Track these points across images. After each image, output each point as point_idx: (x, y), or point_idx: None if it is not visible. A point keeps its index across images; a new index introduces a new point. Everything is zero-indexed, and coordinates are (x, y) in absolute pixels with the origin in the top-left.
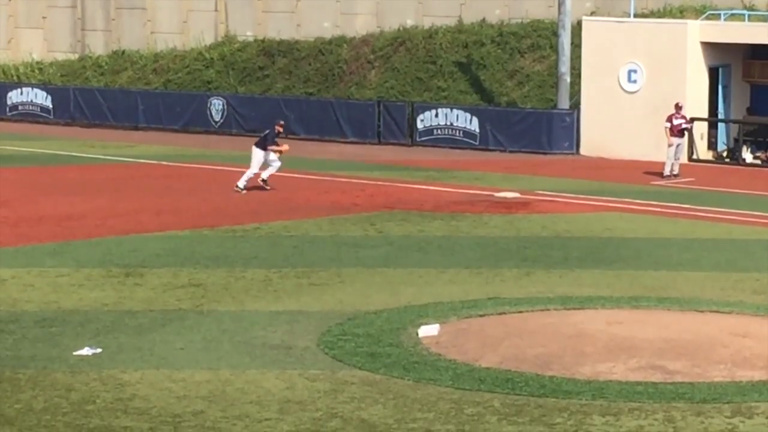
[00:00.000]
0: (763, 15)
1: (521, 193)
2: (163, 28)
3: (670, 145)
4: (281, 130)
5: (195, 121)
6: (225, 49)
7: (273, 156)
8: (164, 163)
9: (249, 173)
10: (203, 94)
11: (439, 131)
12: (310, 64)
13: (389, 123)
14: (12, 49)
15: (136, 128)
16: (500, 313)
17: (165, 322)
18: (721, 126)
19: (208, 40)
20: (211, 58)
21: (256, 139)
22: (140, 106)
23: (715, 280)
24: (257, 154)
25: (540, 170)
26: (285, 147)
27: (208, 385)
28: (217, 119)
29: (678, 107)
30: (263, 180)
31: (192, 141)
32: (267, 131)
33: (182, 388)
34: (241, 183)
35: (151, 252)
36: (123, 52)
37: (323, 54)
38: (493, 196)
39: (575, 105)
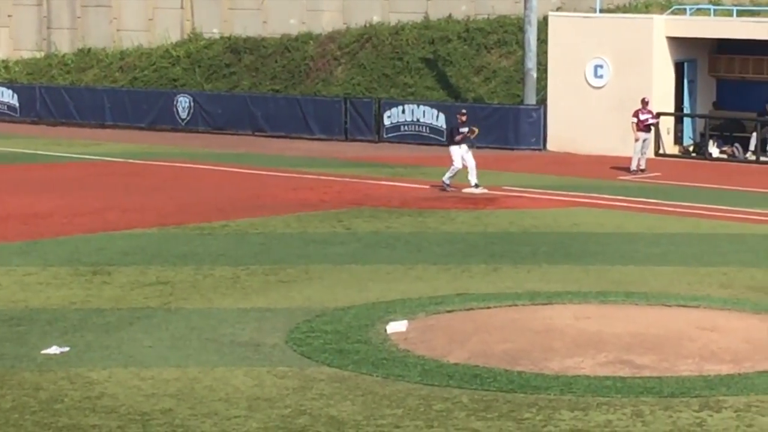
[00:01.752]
0: (728, 9)
1: (489, 189)
2: (129, 25)
3: (636, 140)
4: (464, 119)
5: (161, 119)
6: (191, 46)
7: (458, 153)
8: (131, 160)
9: (453, 169)
10: (169, 91)
11: (405, 127)
12: (276, 61)
13: (356, 119)
14: None
15: (103, 126)
16: (468, 309)
17: (133, 320)
18: (687, 121)
19: (174, 37)
20: (178, 56)
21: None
22: (107, 104)
23: (683, 275)
24: (452, 152)
25: (507, 166)
26: (474, 130)
27: (177, 382)
28: (183, 117)
29: (644, 102)
30: (475, 185)
31: (159, 138)
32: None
33: (150, 386)
34: (446, 179)
35: (118, 250)
36: (89, 50)
37: (290, 51)
38: (460, 192)
39: (542, 100)
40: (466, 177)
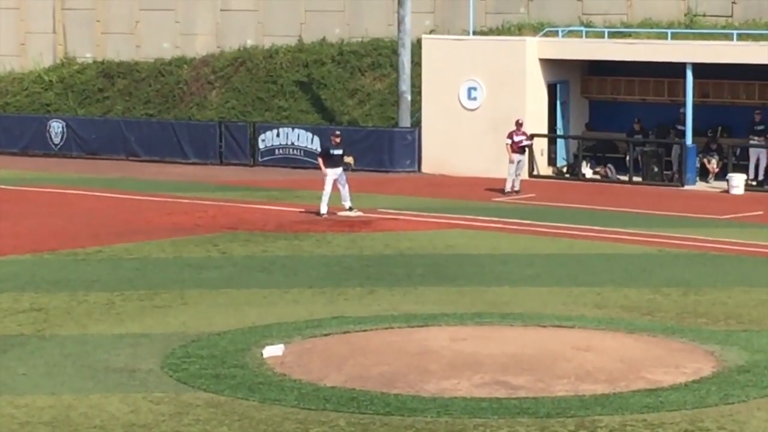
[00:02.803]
0: (599, 31)
1: (364, 212)
2: (0, 50)
3: (511, 162)
4: (338, 141)
5: (34, 144)
6: (64, 71)
7: (329, 179)
8: (3, 186)
9: (323, 196)
10: (42, 116)
11: (280, 151)
12: (150, 86)
13: (231, 143)
14: None
15: None
16: (344, 332)
17: (6, 347)
18: (560, 142)
19: (47, 62)
20: (50, 81)
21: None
22: None
23: (557, 295)
24: (324, 177)
25: (382, 188)
26: (349, 159)
27: (51, 410)
28: (56, 142)
29: (518, 124)
30: (349, 207)
31: (31, 164)
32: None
33: (25, 414)
34: (323, 209)
35: None
36: None
37: (163, 75)
38: (335, 214)
39: (416, 123)
40: (340, 200)
